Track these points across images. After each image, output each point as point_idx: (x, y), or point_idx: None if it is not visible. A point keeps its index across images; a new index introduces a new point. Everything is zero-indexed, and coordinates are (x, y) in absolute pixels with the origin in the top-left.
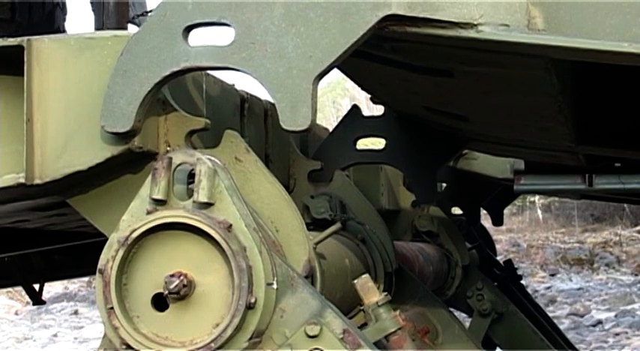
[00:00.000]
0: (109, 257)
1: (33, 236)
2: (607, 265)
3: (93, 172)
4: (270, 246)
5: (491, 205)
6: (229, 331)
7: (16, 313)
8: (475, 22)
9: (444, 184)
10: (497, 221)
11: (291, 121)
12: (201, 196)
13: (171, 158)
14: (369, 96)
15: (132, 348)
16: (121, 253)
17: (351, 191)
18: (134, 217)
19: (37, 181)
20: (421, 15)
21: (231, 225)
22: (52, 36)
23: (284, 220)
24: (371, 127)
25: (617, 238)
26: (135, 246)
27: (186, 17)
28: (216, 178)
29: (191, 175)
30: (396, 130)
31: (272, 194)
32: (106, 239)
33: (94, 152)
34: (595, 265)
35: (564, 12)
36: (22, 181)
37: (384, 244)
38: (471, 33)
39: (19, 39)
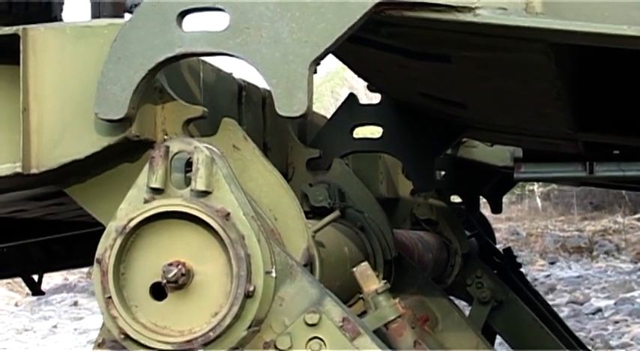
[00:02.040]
0: (107, 246)
1: (31, 226)
2: (606, 252)
3: (90, 161)
4: (268, 234)
5: (491, 192)
6: (228, 320)
7: (16, 305)
8: (472, 6)
9: (443, 173)
10: (496, 209)
11: (287, 106)
12: (199, 184)
13: (168, 147)
14: (367, 84)
15: (130, 337)
16: (118, 242)
17: (350, 179)
18: (132, 205)
19: (34, 171)
20: None
21: (229, 213)
22: (47, 24)
23: (282, 208)
24: (368, 115)
25: (617, 226)
26: (133, 235)
27: (181, 3)
28: (213, 166)
29: (188, 164)
30: (394, 118)
31: (270, 182)
32: (104, 228)
33: (90, 141)
34: (594, 253)
35: None
36: (19, 170)
37: (384, 232)
38: (468, 16)
39: (14, 28)
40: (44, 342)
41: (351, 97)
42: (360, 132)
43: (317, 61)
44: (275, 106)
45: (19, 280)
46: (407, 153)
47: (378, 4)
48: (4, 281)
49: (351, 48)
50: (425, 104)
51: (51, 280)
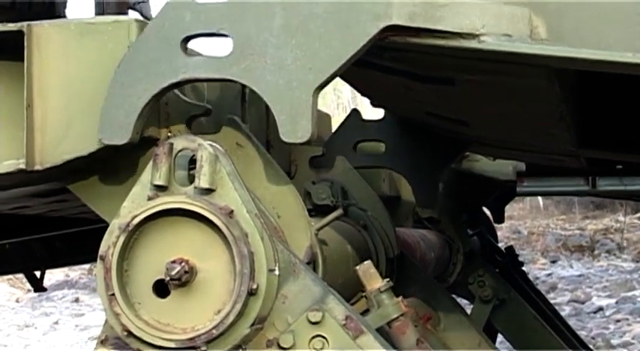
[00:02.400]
0: (110, 243)
1: (33, 223)
2: (608, 251)
3: (94, 158)
4: (271, 232)
5: (493, 203)
6: (231, 318)
7: (17, 301)
8: (477, 33)
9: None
10: (499, 219)
11: (291, 133)
12: (203, 181)
13: (172, 144)
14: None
15: (133, 334)
16: (122, 239)
17: (353, 177)
18: (135, 203)
19: (38, 167)
20: (422, 25)
21: (232, 211)
22: (52, 21)
23: (285, 206)
24: (371, 131)
25: (618, 225)
26: (136, 232)
27: (185, 28)
28: (217, 163)
29: (192, 161)
30: (397, 134)
31: (273, 180)
32: (107, 225)
33: (94, 138)
34: (596, 252)
35: (567, 22)
36: (23, 167)
37: (386, 231)
38: (473, 43)
39: (18, 24)
40: (45, 338)
41: (354, 113)
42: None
43: (321, 88)
44: (279, 133)
45: (20, 276)
46: (410, 169)
47: (382, 31)
48: (6, 277)
49: (354, 70)
50: (429, 121)
51: (52, 276)
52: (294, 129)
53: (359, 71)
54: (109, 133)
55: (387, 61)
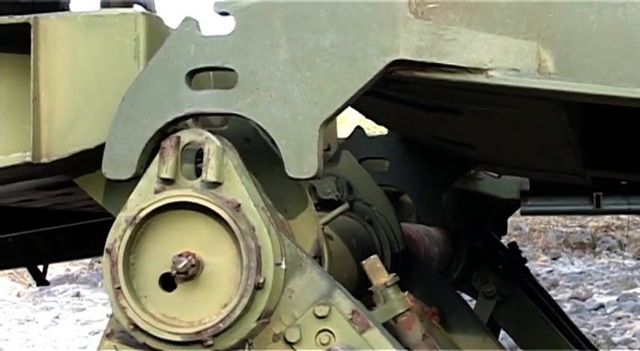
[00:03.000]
0: (117, 237)
1: (37, 216)
2: (609, 249)
3: (100, 151)
4: (278, 226)
5: (495, 217)
6: (238, 312)
7: (18, 295)
8: (485, 67)
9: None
10: (501, 231)
11: (297, 168)
12: (210, 175)
13: (179, 137)
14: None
15: (139, 328)
16: (128, 232)
17: (358, 172)
18: (142, 196)
19: (44, 160)
20: (429, 60)
21: (239, 204)
22: (59, 13)
23: (292, 200)
24: (375, 148)
25: (620, 222)
26: (143, 225)
27: (189, 62)
28: (224, 157)
29: (199, 155)
30: (401, 151)
31: (280, 174)
32: (112, 219)
33: (101, 131)
34: (597, 249)
35: (575, 55)
36: (29, 159)
37: (391, 226)
38: (480, 78)
39: (25, 17)
40: (46, 333)
41: (358, 131)
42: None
43: (327, 123)
44: (285, 168)
45: (21, 270)
46: (414, 187)
47: (389, 65)
48: (7, 272)
49: (359, 97)
50: (434, 143)
51: (53, 271)
52: (299, 164)
53: (363, 98)
54: (113, 167)
55: (392, 92)
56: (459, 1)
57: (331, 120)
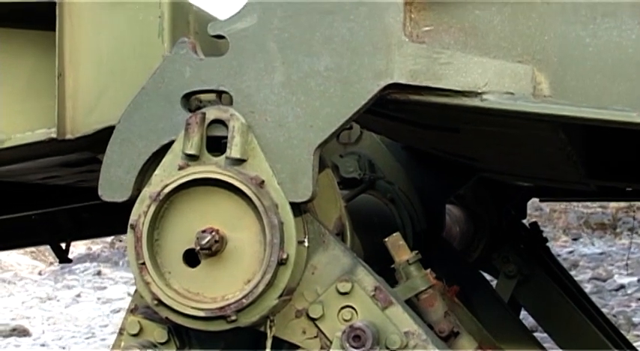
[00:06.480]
0: (141, 212)
1: (61, 193)
2: (630, 229)
3: None
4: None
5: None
6: (261, 288)
7: (40, 273)
8: (479, 91)
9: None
10: (521, 215)
11: (292, 191)
12: (234, 152)
13: (204, 114)
14: None
15: (163, 303)
16: (152, 208)
17: (380, 151)
18: (166, 172)
19: (69, 136)
20: (424, 84)
21: (263, 181)
22: None
23: None
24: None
25: None
26: (167, 201)
27: (185, 85)
28: (249, 134)
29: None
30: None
31: None
32: None
33: (125, 107)
34: (618, 230)
35: (570, 78)
36: (54, 136)
37: (413, 204)
38: (475, 101)
39: None
40: (67, 311)
41: None
42: None
43: (322, 146)
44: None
45: (43, 248)
46: (418, 194)
47: (383, 89)
48: (28, 250)
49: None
50: (435, 154)
51: (74, 249)
52: (294, 188)
53: (362, 114)
54: (109, 190)
55: (390, 111)
56: (454, 24)
57: (326, 143)
